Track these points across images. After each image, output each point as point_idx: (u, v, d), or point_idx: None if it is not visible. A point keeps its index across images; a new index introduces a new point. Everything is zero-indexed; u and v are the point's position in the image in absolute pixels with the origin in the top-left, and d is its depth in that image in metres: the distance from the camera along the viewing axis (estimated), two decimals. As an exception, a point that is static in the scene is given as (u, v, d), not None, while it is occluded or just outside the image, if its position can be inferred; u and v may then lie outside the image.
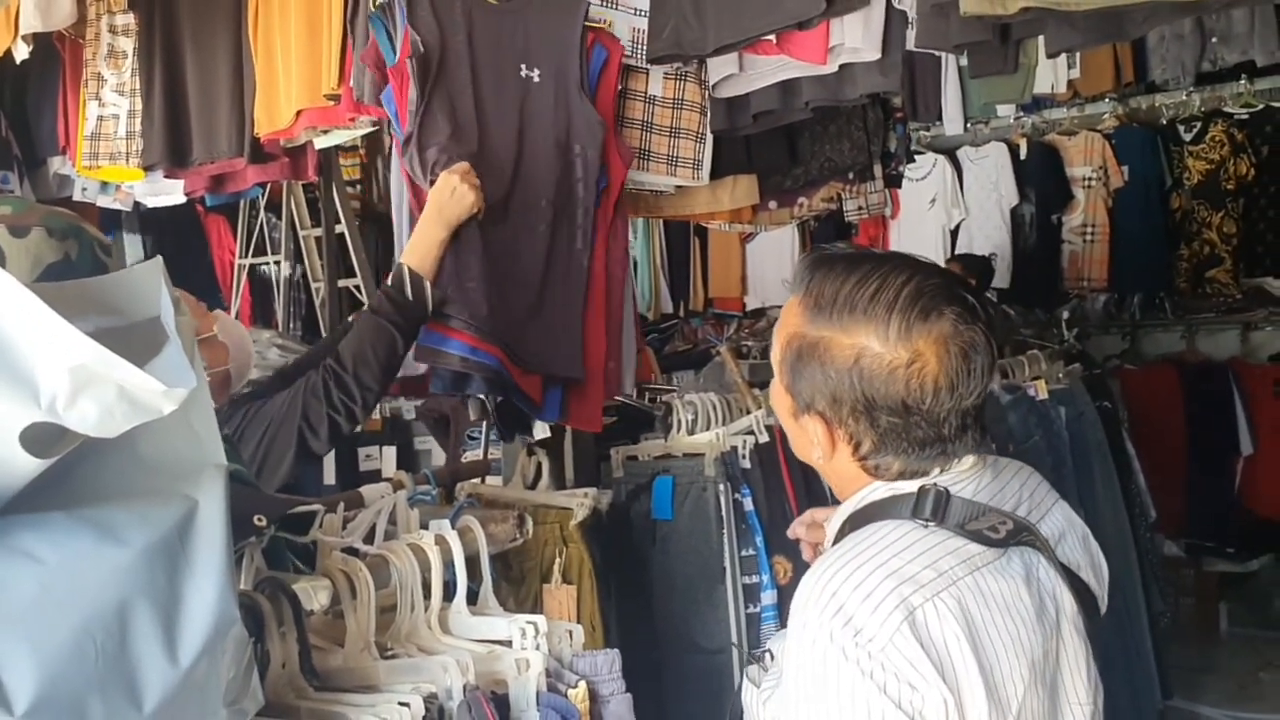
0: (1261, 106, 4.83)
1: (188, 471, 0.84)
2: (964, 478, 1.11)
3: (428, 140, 2.12)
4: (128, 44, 3.34)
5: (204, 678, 0.78)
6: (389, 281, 1.92)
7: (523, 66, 2.31)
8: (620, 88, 2.54)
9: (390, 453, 4.37)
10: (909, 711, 0.98)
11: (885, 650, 0.98)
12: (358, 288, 4.66)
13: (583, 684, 1.04)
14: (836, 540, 1.14)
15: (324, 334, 4.55)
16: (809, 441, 1.14)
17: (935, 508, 1.07)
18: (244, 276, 5.41)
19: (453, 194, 1.96)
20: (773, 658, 1.20)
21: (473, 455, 3.08)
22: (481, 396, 2.22)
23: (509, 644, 1.09)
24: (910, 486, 1.10)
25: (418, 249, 1.94)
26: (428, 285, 1.90)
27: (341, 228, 4.60)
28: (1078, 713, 1.12)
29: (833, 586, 1.02)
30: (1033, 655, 1.05)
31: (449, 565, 1.15)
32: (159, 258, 0.84)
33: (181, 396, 0.75)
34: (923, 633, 0.99)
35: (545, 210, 2.31)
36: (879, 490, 1.12)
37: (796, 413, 1.14)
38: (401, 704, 0.95)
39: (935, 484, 1.09)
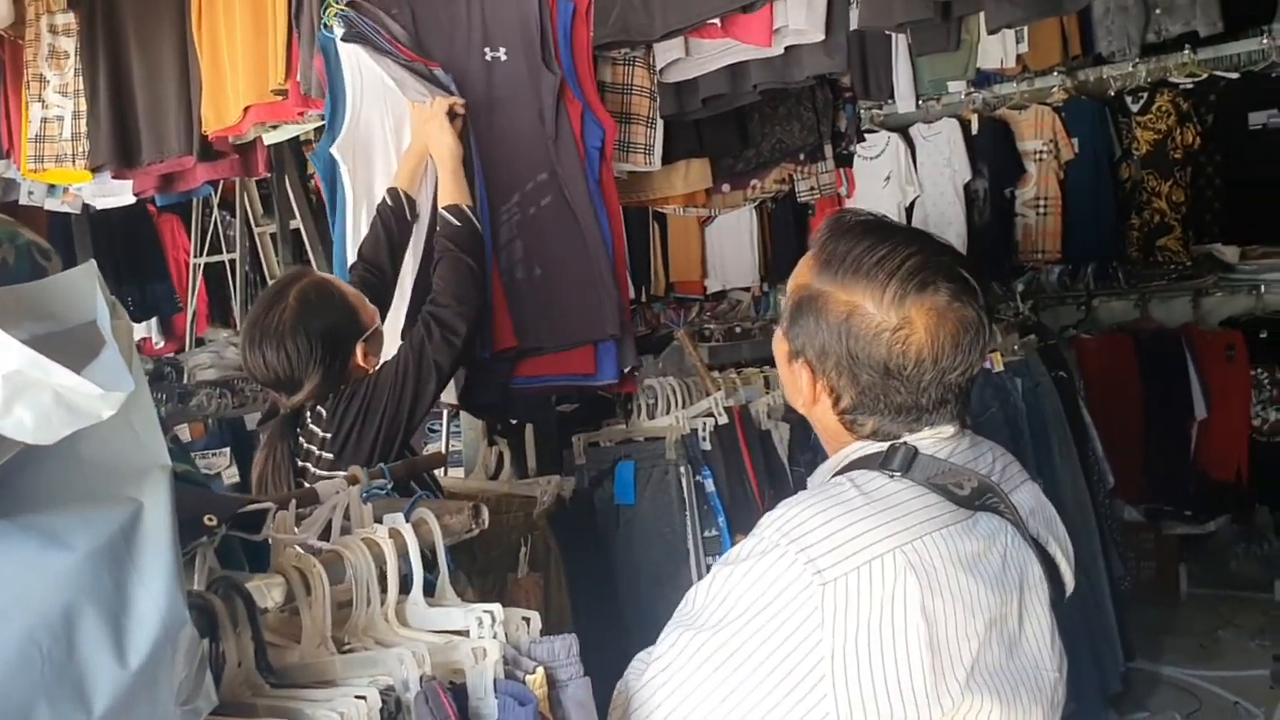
0: (1205, 76, 4.89)
1: (131, 474, 0.83)
2: (940, 443, 1.15)
3: None
4: (69, 44, 3.29)
5: (155, 679, 0.78)
6: (439, 230, 2.15)
7: (487, 49, 2.32)
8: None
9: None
10: (806, 637, 1.01)
11: (827, 585, 1.01)
12: (315, 283, 4.61)
13: (540, 670, 1.05)
14: None
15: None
16: (796, 388, 1.19)
17: (903, 462, 1.11)
18: (200, 275, 5.35)
19: (441, 127, 2.19)
20: None
21: (434, 448, 3.08)
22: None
23: (467, 634, 1.10)
24: (883, 445, 1.14)
25: (449, 185, 2.18)
26: (467, 210, 2.15)
27: (296, 223, 4.55)
28: (1045, 676, 1.15)
29: (801, 517, 1.05)
30: (990, 614, 1.07)
31: (405, 558, 1.15)
32: (92, 261, 0.84)
33: (120, 400, 0.75)
34: (878, 582, 1.02)
35: (536, 190, 2.34)
36: (858, 450, 1.16)
37: (790, 358, 1.19)
38: (358, 697, 0.95)
39: (905, 442, 1.13)
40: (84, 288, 0.81)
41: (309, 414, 1.95)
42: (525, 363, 2.34)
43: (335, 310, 1.96)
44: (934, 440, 1.15)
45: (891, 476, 1.11)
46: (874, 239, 1.13)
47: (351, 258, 2.30)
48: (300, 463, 1.94)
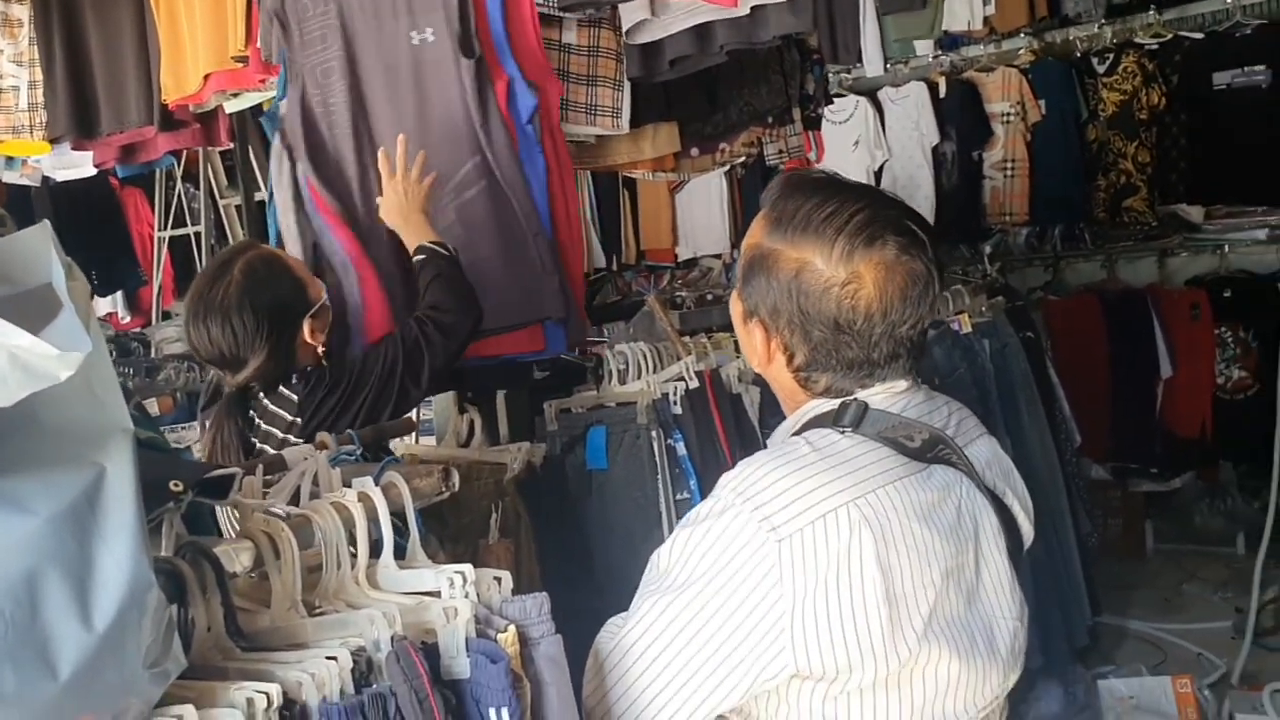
0: (1170, 36, 4.91)
1: (93, 437, 0.83)
2: (893, 398, 1.16)
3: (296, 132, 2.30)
4: (22, 11, 3.22)
5: (121, 642, 0.78)
6: (424, 268, 2.07)
7: (413, 33, 2.28)
8: (533, 37, 2.51)
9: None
10: (766, 593, 1.03)
11: (782, 542, 1.02)
12: (282, 255, 4.57)
13: (512, 628, 1.05)
14: None
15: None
16: (752, 348, 1.21)
17: (853, 417, 1.12)
18: (164, 249, 5.29)
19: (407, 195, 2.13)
20: None
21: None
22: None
23: (438, 595, 1.10)
24: (836, 402, 1.15)
25: (412, 235, 2.11)
26: (441, 242, 2.11)
27: (261, 194, 4.50)
28: (1004, 626, 1.17)
29: (755, 476, 1.07)
30: (946, 564, 1.09)
31: (375, 521, 1.15)
32: (46, 222, 0.82)
33: (77, 361, 0.74)
34: (833, 536, 1.03)
35: (468, 176, 2.31)
36: (813, 409, 1.17)
37: (745, 318, 1.21)
38: (329, 658, 0.95)
39: (856, 398, 1.14)
40: (38, 249, 0.80)
41: (267, 396, 1.90)
42: (475, 343, 2.34)
43: (282, 284, 1.90)
44: (886, 395, 1.16)
45: (843, 433, 1.12)
46: (823, 196, 1.14)
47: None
48: (258, 444, 1.88)
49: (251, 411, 1.90)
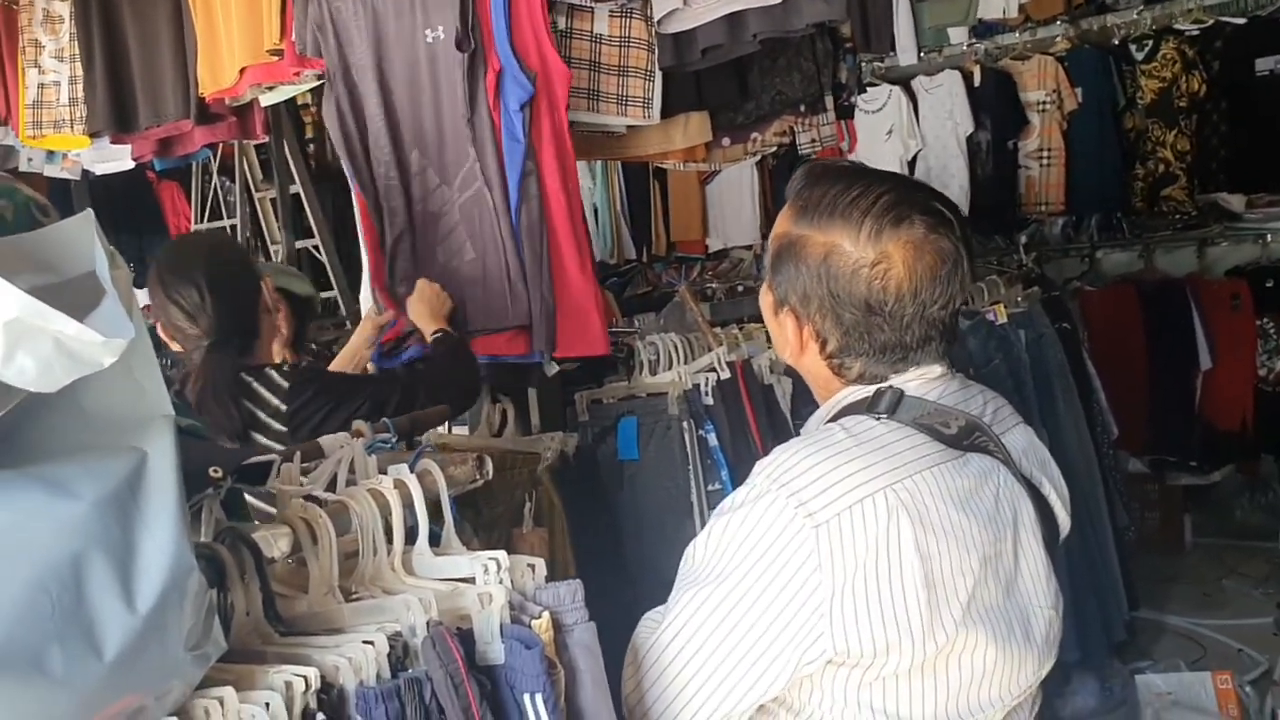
0: (1211, 22, 4.83)
1: (135, 424, 0.84)
2: (928, 384, 1.15)
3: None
4: (63, 8, 3.27)
5: (164, 624, 0.79)
6: (436, 342, 2.28)
7: (427, 31, 2.30)
8: (565, 28, 2.52)
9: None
10: (805, 580, 1.02)
11: (819, 528, 1.02)
12: (316, 248, 4.61)
13: (546, 614, 1.06)
14: None
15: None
16: (784, 339, 1.20)
17: (889, 404, 1.12)
18: (201, 242, 5.34)
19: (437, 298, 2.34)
20: None
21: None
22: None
23: (473, 581, 1.11)
24: (871, 389, 1.15)
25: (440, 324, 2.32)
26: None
27: (296, 187, 4.54)
28: (1040, 614, 1.16)
29: (790, 462, 1.07)
30: (984, 551, 1.08)
31: (410, 508, 1.16)
32: (89, 210, 0.83)
33: (121, 347, 0.75)
34: (870, 521, 1.03)
35: (467, 176, 2.34)
36: (847, 396, 1.17)
37: (775, 309, 1.20)
38: (366, 643, 0.96)
39: (891, 385, 1.14)
40: (82, 238, 0.81)
41: (251, 375, 1.91)
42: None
43: (235, 245, 1.99)
44: (921, 381, 1.15)
45: (879, 419, 1.12)
46: (848, 181, 1.14)
47: None
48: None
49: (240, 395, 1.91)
